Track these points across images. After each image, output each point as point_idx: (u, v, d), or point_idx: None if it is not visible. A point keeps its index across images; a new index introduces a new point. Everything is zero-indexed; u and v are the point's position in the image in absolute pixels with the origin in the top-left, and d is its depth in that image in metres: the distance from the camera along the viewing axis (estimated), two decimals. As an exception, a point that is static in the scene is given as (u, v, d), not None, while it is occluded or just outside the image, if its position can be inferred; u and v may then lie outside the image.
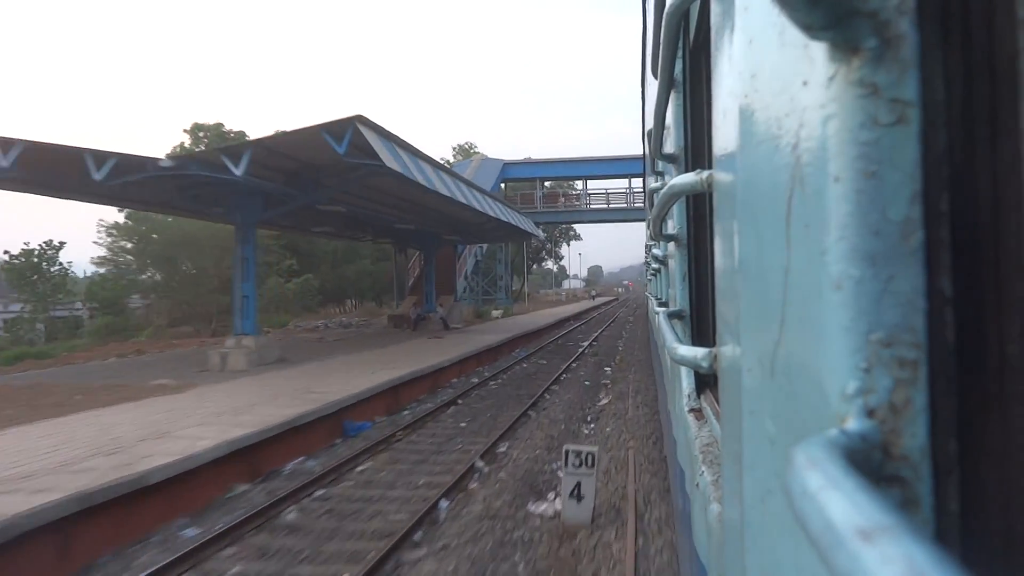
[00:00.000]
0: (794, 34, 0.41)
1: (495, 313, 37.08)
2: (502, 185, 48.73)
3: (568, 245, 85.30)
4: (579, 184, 48.81)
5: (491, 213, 21.81)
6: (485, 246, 40.27)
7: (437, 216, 22.99)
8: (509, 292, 47.48)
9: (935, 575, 0.22)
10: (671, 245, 2.26)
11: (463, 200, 18.53)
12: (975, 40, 0.34)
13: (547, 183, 50.93)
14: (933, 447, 0.34)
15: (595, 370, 17.23)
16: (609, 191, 46.41)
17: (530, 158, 50.93)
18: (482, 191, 22.45)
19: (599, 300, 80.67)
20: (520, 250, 56.35)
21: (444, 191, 16.78)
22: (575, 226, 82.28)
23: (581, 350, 21.44)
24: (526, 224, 28.48)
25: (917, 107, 0.34)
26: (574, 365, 18.14)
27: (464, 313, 32.80)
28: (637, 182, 44.42)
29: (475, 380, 15.53)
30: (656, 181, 2.88)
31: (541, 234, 28.38)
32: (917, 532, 0.24)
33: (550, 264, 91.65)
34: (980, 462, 0.34)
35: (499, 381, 15.75)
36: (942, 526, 0.34)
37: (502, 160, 48.62)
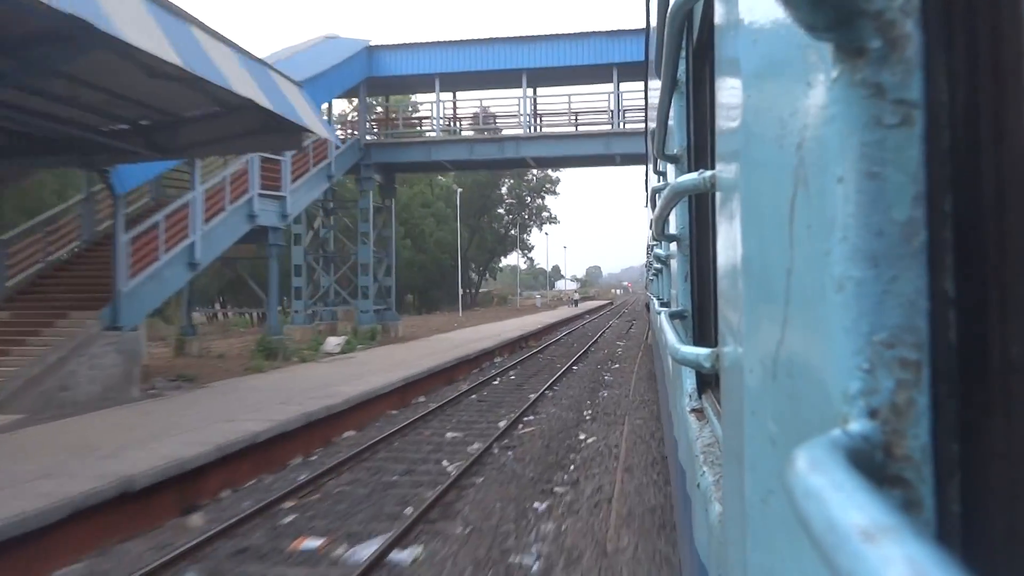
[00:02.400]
0: (798, 34, 0.41)
1: (332, 344, 18.54)
2: (371, 103, 26.26)
3: (542, 231, 64.46)
4: (519, 94, 23.54)
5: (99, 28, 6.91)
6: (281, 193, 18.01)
7: None
8: (392, 294, 25.37)
9: None
10: (673, 245, 2.26)
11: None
12: (980, 41, 0.34)
13: (485, 102, 25.48)
14: (935, 448, 0.34)
15: None
16: (574, 104, 23.36)
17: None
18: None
19: (584, 306, 56.74)
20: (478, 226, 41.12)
21: None
22: (547, 201, 61.61)
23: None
24: (265, 87, 10.78)
25: (921, 108, 0.34)
26: None
27: (197, 348, 17.77)
28: (632, 88, 22.10)
29: None
30: (659, 181, 2.88)
31: (324, 132, 13.49)
32: (919, 533, 0.24)
33: (521, 257, 67.57)
34: (983, 464, 0.34)
35: None
36: (944, 527, 0.34)
37: (364, 42, 23.82)
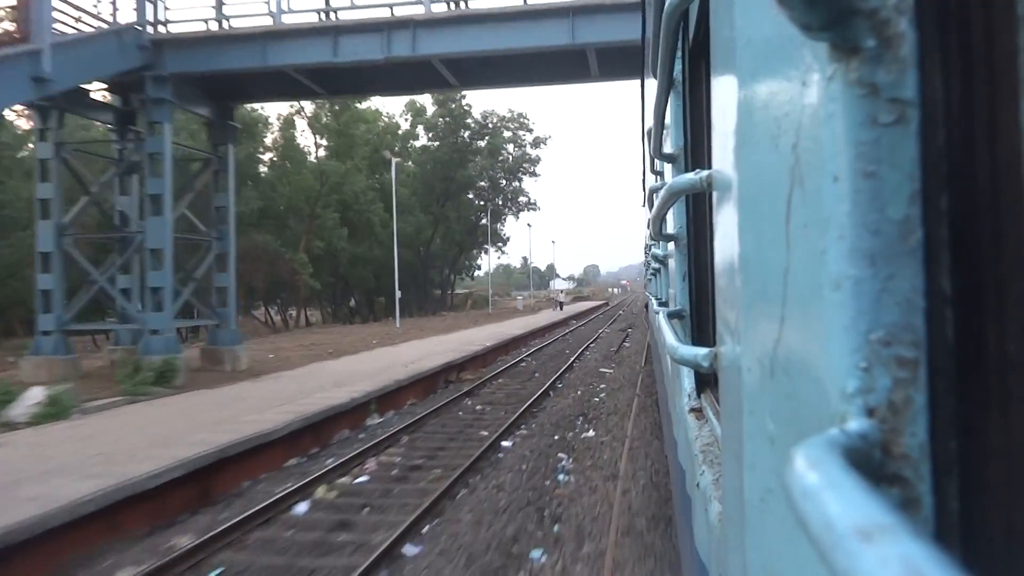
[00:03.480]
0: (793, 34, 0.41)
1: (25, 406, 9.80)
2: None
3: (519, 219, 55.92)
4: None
5: None
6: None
7: None
8: (229, 301, 16.13)
9: (934, 575, 0.22)
10: (671, 245, 2.26)
11: None
12: (974, 39, 0.34)
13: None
14: (933, 446, 0.34)
15: None
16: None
17: None
18: None
19: (575, 308, 48.34)
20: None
21: None
22: (526, 185, 49.88)
23: None
24: None
25: (916, 106, 0.34)
26: None
27: None
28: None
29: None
30: (656, 180, 2.89)
31: None
32: (917, 532, 0.24)
33: (497, 252, 55.65)
34: (980, 461, 0.34)
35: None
36: (942, 525, 0.34)
37: None
